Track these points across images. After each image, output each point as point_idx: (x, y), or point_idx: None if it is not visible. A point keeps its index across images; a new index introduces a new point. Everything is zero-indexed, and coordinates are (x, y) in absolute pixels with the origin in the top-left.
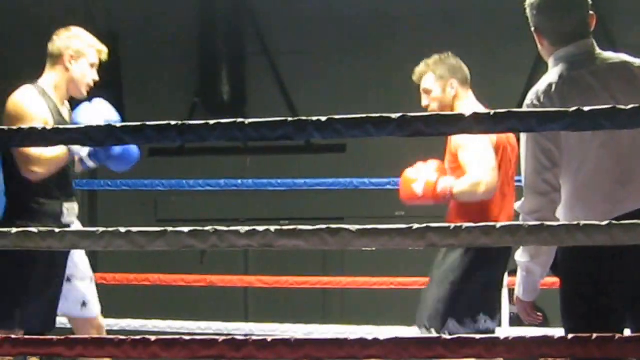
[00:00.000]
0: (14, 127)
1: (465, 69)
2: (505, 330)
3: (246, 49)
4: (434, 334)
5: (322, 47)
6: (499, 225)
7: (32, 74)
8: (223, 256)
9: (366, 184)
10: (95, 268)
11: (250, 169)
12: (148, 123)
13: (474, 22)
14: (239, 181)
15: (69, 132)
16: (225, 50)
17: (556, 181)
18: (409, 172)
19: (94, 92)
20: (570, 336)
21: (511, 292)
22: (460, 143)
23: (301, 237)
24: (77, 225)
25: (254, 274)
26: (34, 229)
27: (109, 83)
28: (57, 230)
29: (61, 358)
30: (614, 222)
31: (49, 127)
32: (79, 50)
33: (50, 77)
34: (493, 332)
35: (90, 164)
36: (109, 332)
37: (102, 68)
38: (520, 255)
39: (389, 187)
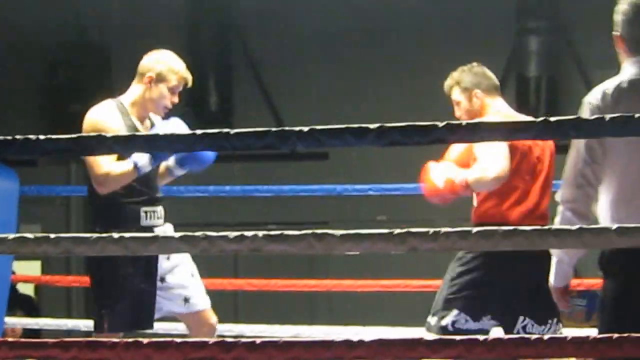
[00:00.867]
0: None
1: (491, 76)
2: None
3: (233, 61)
4: (434, 321)
5: (306, 59)
6: (474, 230)
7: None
8: (213, 259)
9: (348, 190)
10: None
11: (238, 176)
12: (137, 134)
13: (445, 34)
14: (227, 187)
15: (63, 141)
16: (213, 62)
17: (593, 177)
18: (431, 170)
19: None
20: (546, 337)
21: None
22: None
23: (288, 242)
24: (164, 228)
25: (243, 277)
26: (30, 235)
27: (100, 93)
28: (52, 236)
29: None
30: (584, 226)
31: (43, 136)
32: (161, 73)
33: (132, 93)
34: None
35: (179, 172)
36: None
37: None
38: None
39: (370, 192)
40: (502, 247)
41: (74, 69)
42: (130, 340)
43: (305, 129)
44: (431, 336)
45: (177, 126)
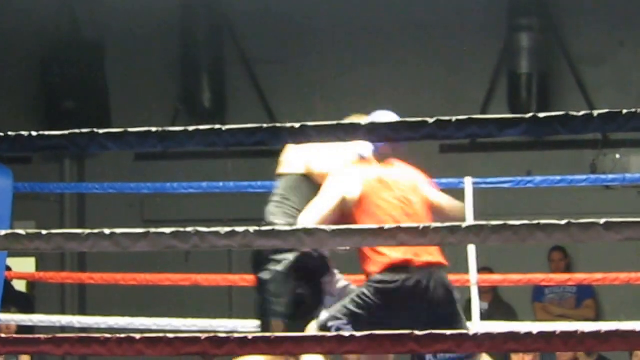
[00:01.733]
0: None
1: None
2: (475, 326)
3: (225, 57)
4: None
5: (298, 55)
6: (464, 225)
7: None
8: (207, 254)
9: None
10: (84, 268)
11: (232, 172)
12: (129, 130)
13: (436, 32)
14: (221, 184)
15: (56, 137)
16: (206, 59)
17: None
18: None
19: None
20: (535, 331)
21: (480, 289)
22: (327, 174)
23: (279, 237)
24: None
25: (237, 273)
26: (22, 231)
27: (93, 91)
28: (44, 232)
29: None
30: (572, 221)
31: (36, 133)
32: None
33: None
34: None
35: None
36: (95, 329)
37: (89, 77)
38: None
39: None
40: (492, 241)
41: (68, 66)
42: (122, 336)
43: (297, 125)
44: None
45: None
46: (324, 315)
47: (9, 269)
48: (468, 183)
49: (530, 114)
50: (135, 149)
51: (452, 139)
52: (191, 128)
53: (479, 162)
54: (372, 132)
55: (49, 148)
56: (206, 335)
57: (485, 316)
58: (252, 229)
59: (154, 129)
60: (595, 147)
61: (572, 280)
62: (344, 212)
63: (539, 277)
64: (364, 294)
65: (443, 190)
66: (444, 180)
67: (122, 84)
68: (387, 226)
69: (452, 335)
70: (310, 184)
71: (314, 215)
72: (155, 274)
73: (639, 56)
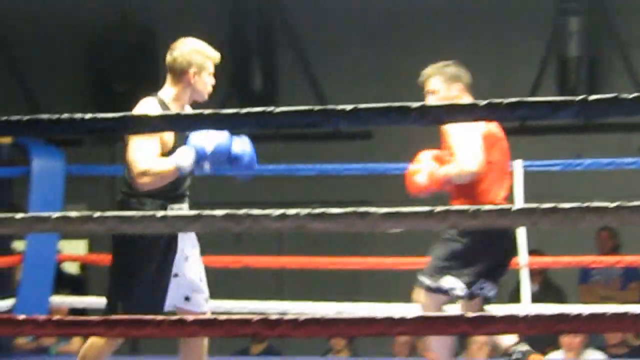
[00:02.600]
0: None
1: (468, 76)
2: (526, 308)
3: (276, 41)
4: (426, 280)
5: (349, 38)
6: (514, 207)
7: None
8: (258, 236)
9: (391, 169)
10: None
11: (282, 155)
12: (182, 112)
13: (486, 16)
14: (272, 166)
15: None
16: (257, 43)
17: None
18: (412, 167)
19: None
20: (585, 312)
21: (530, 272)
22: (449, 130)
23: (331, 220)
24: None
25: (288, 255)
26: (74, 213)
27: (147, 76)
28: (96, 214)
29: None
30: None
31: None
32: (201, 64)
33: (172, 90)
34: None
35: (206, 168)
36: None
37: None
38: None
39: None
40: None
41: (118, 48)
42: (175, 317)
43: (349, 107)
44: (423, 294)
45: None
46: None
47: (59, 251)
48: (518, 166)
49: (580, 97)
50: (186, 131)
51: (503, 121)
52: (244, 110)
53: (529, 144)
54: (424, 115)
55: (101, 130)
56: (258, 317)
57: (534, 299)
58: (303, 211)
59: (206, 112)
60: None
61: (620, 263)
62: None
63: (588, 259)
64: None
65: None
66: None
67: None
68: (438, 209)
69: (503, 316)
70: None
71: (471, 153)
72: (207, 256)
73: None
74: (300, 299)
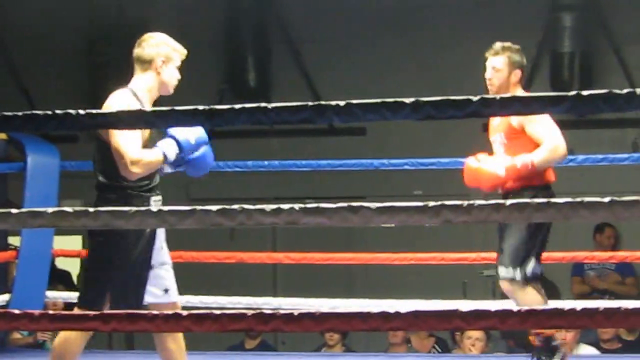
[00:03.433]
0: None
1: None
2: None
3: (270, 38)
4: (518, 273)
5: (342, 35)
6: (508, 202)
7: None
8: (252, 232)
9: (385, 164)
10: None
11: (277, 150)
12: (177, 108)
13: (480, 12)
14: (266, 162)
15: (102, 116)
16: (251, 40)
17: None
18: (485, 162)
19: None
20: (578, 308)
21: None
22: (528, 117)
23: (324, 215)
24: None
25: (282, 251)
26: (69, 209)
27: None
28: (91, 209)
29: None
30: (615, 198)
31: (83, 111)
32: (168, 55)
33: (142, 81)
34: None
35: (167, 169)
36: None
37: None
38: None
39: (406, 167)
40: (536, 219)
41: (114, 46)
42: (169, 312)
43: (342, 103)
44: (516, 287)
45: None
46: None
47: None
48: None
49: (573, 92)
50: (181, 126)
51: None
52: (238, 106)
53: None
54: (417, 110)
55: (96, 126)
56: (252, 311)
57: None
58: (297, 206)
59: (201, 107)
60: (637, 126)
61: (614, 258)
62: None
63: (582, 255)
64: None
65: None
66: None
67: None
68: (431, 204)
69: (496, 312)
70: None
71: (559, 137)
72: (201, 251)
73: None
74: (294, 294)
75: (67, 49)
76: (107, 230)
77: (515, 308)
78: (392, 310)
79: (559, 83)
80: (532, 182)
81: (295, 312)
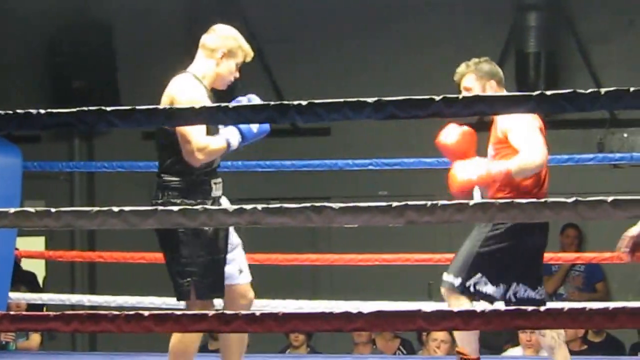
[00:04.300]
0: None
1: (501, 72)
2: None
3: None
4: (458, 281)
5: (307, 35)
6: (471, 203)
7: None
8: None
9: (350, 165)
10: (93, 247)
11: (241, 151)
12: (138, 107)
13: (445, 11)
14: (230, 163)
15: (64, 115)
16: None
17: None
18: (459, 168)
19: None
20: (542, 309)
21: None
22: (509, 127)
23: (287, 215)
24: (224, 199)
25: (246, 252)
26: (32, 209)
27: (105, 72)
28: (53, 210)
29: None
30: (580, 199)
31: (44, 111)
32: (232, 50)
33: (201, 67)
34: (537, 302)
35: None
36: (105, 308)
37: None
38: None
39: (371, 167)
40: (499, 220)
41: (77, 45)
42: (131, 313)
43: (304, 102)
44: (452, 295)
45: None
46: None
47: (16, 248)
48: None
49: (537, 92)
50: (143, 127)
51: (458, 117)
52: (198, 106)
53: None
54: (379, 110)
55: (57, 126)
56: (214, 312)
57: None
58: (259, 206)
59: (161, 107)
60: (602, 126)
61: (580, 259)
62: None
63: (548, 256)
64: None
65: (446, 169)
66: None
67: (130, 63)
68: (395, 204)
69: (459, 312)
70: None
71: (537, 147)
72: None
73: None
74: (258, 296)
75: (30, 48)
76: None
77: (478, 309)
78: (354, 311)
79: (525, 83)
80: (522, 193)
81: (258, 313)
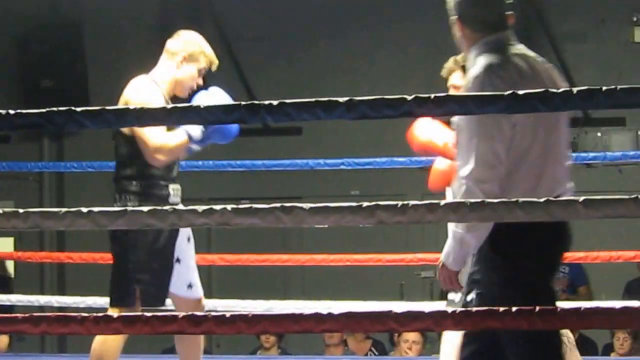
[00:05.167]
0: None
1: None
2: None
3: (205, 36)
4: (459, 299)
5: (279, 33)
6: (442, 203)
7: None
8: None
9: (321, 164)
10: (63, 247)
11: (211, 151)
12: (107, 107)
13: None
14: (200, 162)
15: (33, 115)
16: None
17: (505, 156)
18: (429, 126)
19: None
20: (514, 309)
21: None
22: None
23: (257, 215)
24: (180, 206)
25: (216, 252)
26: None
27: (75, 72)
28: (20, 210)
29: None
30: (551, 198)
31: (13, 111)
32: (193, 54)
33: (161, 71)
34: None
35: (196, 147)
36: (74, 309)
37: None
38: (455, 225)
39: (342, 167)
40: (469, 220)
41: (46, 45)
42: (100, 315)
43: (275, 102)
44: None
45: (217, 95)
46: None
47: None
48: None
49: (509, 92)
50: (112, 127)
51: (430, 117)
52: (169, 105)
53: None
54: (351, 110)
55: (26, 126)
56: (183, 313)
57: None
58: (229, 207)
59: (131, 107)
60: (576, 126)
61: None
62: None
63: None
64: None
65: (421, 169)
66: (422, 159)
67: (100, 63)
68: (365, 204)
69: (431, 313)
70: None
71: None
72: None
73: (620, 34)
74: (229, 296)
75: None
76: (126, 229)
77: (450, 310)
78: (325, 312)
79: None
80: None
81: (227, 314)
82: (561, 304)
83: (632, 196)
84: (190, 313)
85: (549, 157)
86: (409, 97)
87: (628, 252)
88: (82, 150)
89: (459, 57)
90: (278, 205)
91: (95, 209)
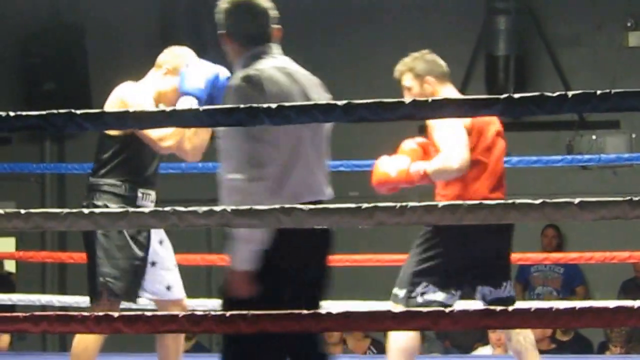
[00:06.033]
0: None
1: (442, 64)
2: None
3: (205, 38)
4: (402, 294)
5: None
6: (440, 204)
7: None
8: (186, 234)
9: None
10: (64, 247)
11: (212, 153)
12: (107, 110)
13: (414, 14)
14: (200, 164)
15: (33, 118)
16: (186, 40)
17: (266, 156)
18: (381, 161)
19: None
20: (510, 309)
21: None
22: (433, 124)
23: (257, 217)
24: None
25: (216, 253)
26: (0, 210)
27: (77, 74)
28: (22, 211)
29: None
30: (547, 200)
31: (13, 113)
32: (178, 68)
33: (147, 81)
34: (505, 300)
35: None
36: (75, 309)
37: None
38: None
39: (341, 168)
40: (468, 221)
41: (48, 47)
42: (100, 314)
43: (274, 105)
44: (399, 308)
45: (209, 67)
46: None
47: None
48: None
49: (505, 95)
50: (112, 129)
51: (428, 119)
52: (168, 108)
53: None
54: (349, 113)
55: (26, 128)
56: (183, 313)
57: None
58: (229, 208)
59: (130, 110)
60: (571, 128)
61: (548, 260)
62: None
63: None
64: None
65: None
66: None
67: (102, 65)
68: (364, 205)
69: (428, 312)
70: None
71: (457, 152)
72: None
73: (615, 38)
74: None
75: (1, 50)
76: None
77: (448, 309)
78: (323, 311)
79: (495, 86)
80: (464, 196)
81: (227, 314)
82: (553, 303)
83: (627, 198)
84: (190, 312)
85: (305, 163)
86: (408, 101)
87: (622, 252)
88: (83, 152)
89: (407, 59)
90: (278, 206)
91: (96, 210)
